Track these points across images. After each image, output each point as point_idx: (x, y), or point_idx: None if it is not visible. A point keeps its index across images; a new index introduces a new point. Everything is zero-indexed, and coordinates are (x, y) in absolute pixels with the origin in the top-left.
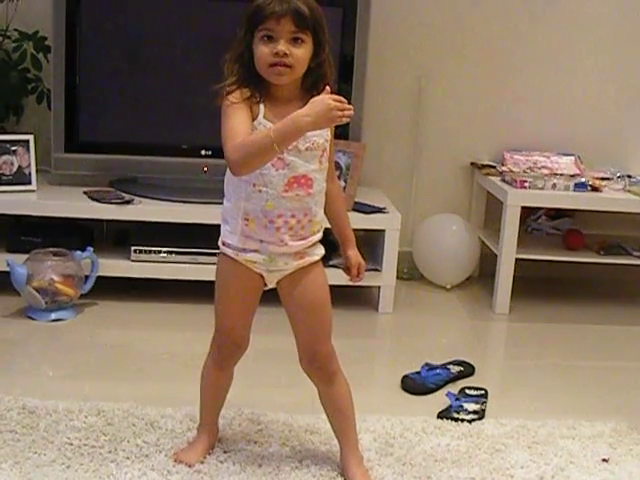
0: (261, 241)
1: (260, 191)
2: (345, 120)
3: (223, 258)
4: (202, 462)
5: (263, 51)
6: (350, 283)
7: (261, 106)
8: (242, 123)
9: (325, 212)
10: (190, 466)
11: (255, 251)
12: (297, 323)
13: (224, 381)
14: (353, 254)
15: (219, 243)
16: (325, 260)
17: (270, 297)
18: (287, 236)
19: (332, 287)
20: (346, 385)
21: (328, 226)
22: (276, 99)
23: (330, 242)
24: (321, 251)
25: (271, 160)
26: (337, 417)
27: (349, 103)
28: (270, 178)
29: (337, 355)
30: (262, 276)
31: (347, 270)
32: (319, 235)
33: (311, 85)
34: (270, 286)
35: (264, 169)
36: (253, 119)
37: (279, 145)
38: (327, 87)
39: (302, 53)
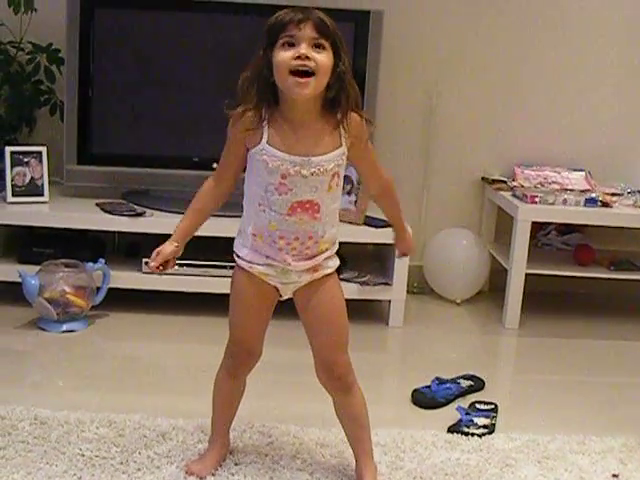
0: (267, 257)
1: (264, 211)
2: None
3: (238, 270)
4: (213, 474)
5: (284, 56)
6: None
7: (265, 130)
8: (224, 165)
9: (380, 206)
10: (201, 478)
11: (268, 266)
12: (314, 334)
13: (237, 391)
14: (408, 236)
15: (234, 255)
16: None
17: (282, 310)
18: (289, 256)
19: None
20: (362, 395)
21: (342, 240)
22: (289, 121)
23: (339, 256)
24: (336, 263)
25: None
26: (353, 427)
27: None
28: (273, 201)
29: None
30: (277, 288)
31: (402, 249)
32: (328, 253)
33: (332, 100)
34: (285, 297)
35: (267, 192)
36: (254, 145)
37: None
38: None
39: (324, 59)
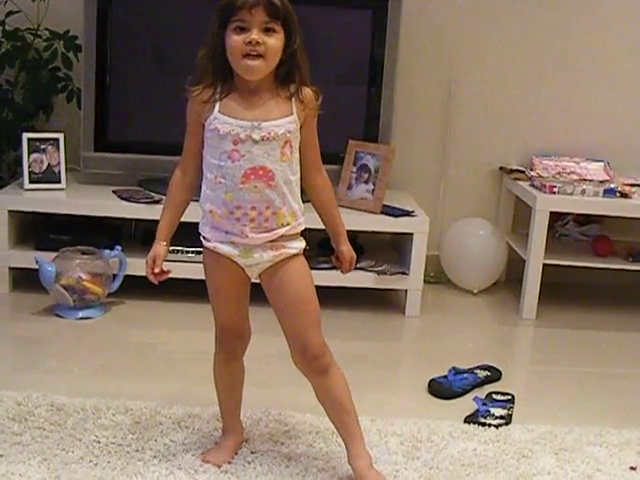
0: (226, 232)
1: (220, 182)
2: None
3: (205, 253)
4: (229, 462)
5: (236, 40)
6: (341, 275)
7: (217, 102)
8: (187, 150)
9: (313, 205)
10: (218, 466)
11: (231, 243)
12: (283, 316)
13: (235, 374)
14: (346, 249)
15: (201, 237)
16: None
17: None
18: (247, 228)
19: (359, 290)
20: (343, 377)
21: (359, 229)
22: (242, 91)
23: (357, 245)
24: (301, 244)
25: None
26: (337, 411)
27: (378, 105)
28: (227, 170)
29: (359, 357)
30: (244, 269)
31: (339, 263)
32: (289, 228)
33: (284, 76)
34: (253, 279)
35: (221, 160)
36: (207, 118)
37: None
38: None
39: (274, 42)
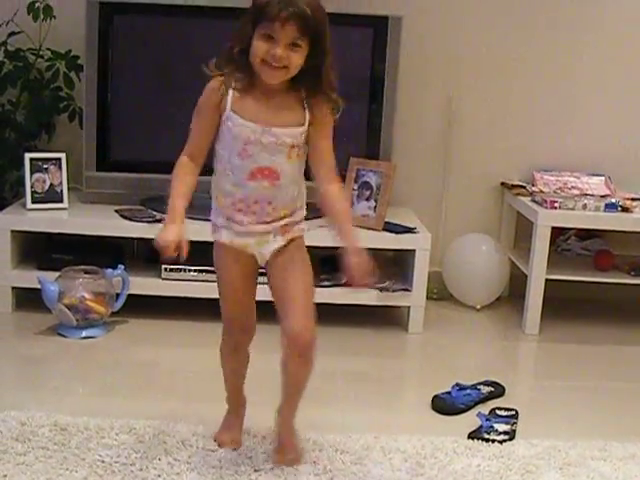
0: (228, 219)
1: (228, 175)
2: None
3: (218, 246)
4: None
5: (261, 47)
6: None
7: (230, 98)
8: (199, 134)
9: (326, 214)
10: (236, 448)
11: (246, 234)
12: (280, 294)
13: (241, 362)
14: (359, 260)
15: (211, 229)
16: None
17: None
18: (247, 219)
19: (362, 307)
20: (312, 364)
21: (314, 240)
22: (259, 88)
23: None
24: (304, 225)
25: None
26: (295, 390)
27: (379, 122)
28: (235, 165)
29: (362, 374)
30: (254, 257)
31: (351, 278)
32: (287, 220)
33: (303, 82)
34: (262, 263)
35: (231, 156)
36: (223, 111)
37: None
38: None
39: (297, 58)
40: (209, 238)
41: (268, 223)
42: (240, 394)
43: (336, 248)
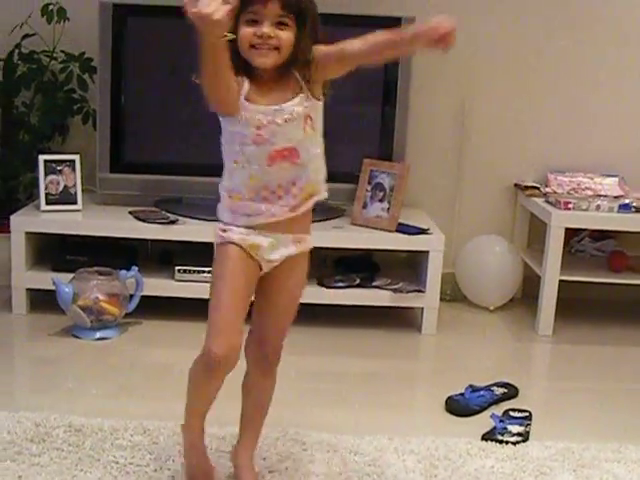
0: (248, 215)
1: (243, 167)
2: (214, 14)
3: (226, 248)
4: None
5: (247, 32)
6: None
7: (245, 82)
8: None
9: (378, 56)
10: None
11: (260, 233)
12: (266, 313)
13: (216, 389)
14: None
15: (218, 231)
16: (369, 281)
17: (311, 319)
18: (276, 206)
19: (375, 308)
20: (274, 382)
21: (375, 247)
22: (257, 77)
23: (372, 264)
24: (312, 240)
25: (221, 70)
26: (257, 408)
27: (392, 124)
28: (251, 153)
29: (375, 375)
30: (260, 265)
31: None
32: (311, 202)
33: (288, 64)
34: (263, 272)
35: (244, 145)
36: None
37: (205, 56)
38: None
39: (287, 36)
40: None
41: (295, 208)
42: (203, 420)
43: (345, 249)
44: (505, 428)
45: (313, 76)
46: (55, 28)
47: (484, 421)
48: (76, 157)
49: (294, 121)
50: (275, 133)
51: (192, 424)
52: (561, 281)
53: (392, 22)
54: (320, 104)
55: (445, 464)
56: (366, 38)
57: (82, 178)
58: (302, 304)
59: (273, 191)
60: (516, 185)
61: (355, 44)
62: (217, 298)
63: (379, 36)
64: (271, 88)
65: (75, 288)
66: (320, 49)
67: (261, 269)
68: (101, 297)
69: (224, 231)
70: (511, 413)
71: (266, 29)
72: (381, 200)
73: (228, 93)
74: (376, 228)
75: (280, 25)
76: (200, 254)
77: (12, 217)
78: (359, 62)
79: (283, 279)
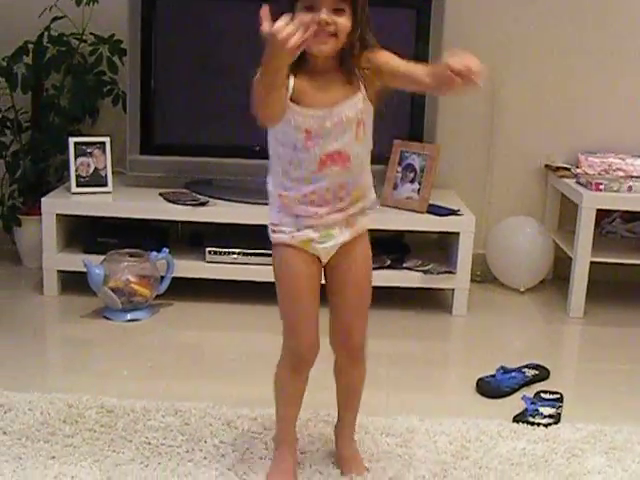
0: (296, 216)
1: (296, 169)
2: (288, 42)
3: (279, 250)
4: None
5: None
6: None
7: (290, 81)
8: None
9: (437, 81)
10: None
11: (307, 228)
12: (340, 295)
13: (302, 387)
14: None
15: (270, 233)
16: (399, 262)
17: None
18: (323, 210)
19: (406, 289)
20: (365, 372)
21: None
22: (313, 72)
23: (403, 245)
24: (370, 219)
25: (277, 89)
26: (351, 394)
27: (422, 105)
28: (301, 158)
29: (407, 356)
30: (318, 257)
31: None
32: (360, 205)
33: (346, 57)
34: (325, 261)
35: (296, 149)
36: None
37: (265, 75)
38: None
39: (344, 22)
40: (252, 221)
41: (343, 210)
42: (294, 429)
43: (376, 230)
44: (536, 410)
45: (370, 76)
46: (84, 10)
47: (515, 403)
48: (106, 139)
49: (345, 125)
50: (325, 136)
51: (284, 432)
52: (592, 262)
53: (422, 1)
54: (372, 109)
55: (476, 445)
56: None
57: (112, 160)
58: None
59: (321, 195)
60: (547, 166)
61: (417, 68)
62: (285, 303)
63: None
64: (325, 85)
65: (106, 270)
66: (383, 54)
67: (320, 260)
68: (132, 279)
69: (274, 232)
70: (542, 395)
71: (324, 15)
72: (412, 181)
73: (279, 110)
74: (407, 209)
75: (337, 11)
76: (230, 235)
77: (43, 199)
78: (406, 85)
79: (346, 267)
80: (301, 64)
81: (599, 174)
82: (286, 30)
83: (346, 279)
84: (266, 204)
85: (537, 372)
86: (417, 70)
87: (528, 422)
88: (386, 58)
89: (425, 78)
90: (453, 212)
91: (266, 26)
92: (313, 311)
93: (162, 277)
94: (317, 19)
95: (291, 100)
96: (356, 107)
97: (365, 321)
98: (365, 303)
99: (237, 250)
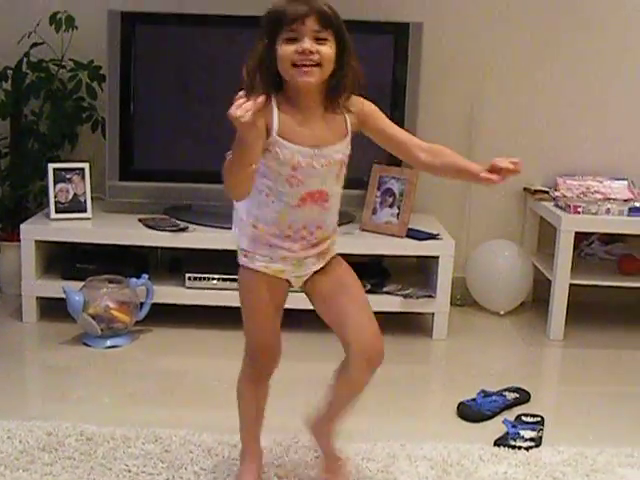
0: (270, 246)
1: (273, 202)
2: (245, 116)
3: (248, 272)
4: None
5: (287, 50)
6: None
7: (274, 120)
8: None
9: (442, 172)
10: None
11: (281, 260)
12: (344, 316)
13: (263, 396)
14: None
15: (240, 256)
16: (379, 287)
17: (315, 323)
18: (297, 245)
19: (386, 314)
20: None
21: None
22: (296, 108)
23: (382, 270)
24: (336, 248)
25: (248, 175)
26: (351, 398)
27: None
28: (284, 192)
29: (387, 381)
30: (288, 281)
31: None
32: (330, 241)
33: (334, 89)
34: (295, 287)
35: (277, 182)
36: (267, 135)
37: (235, 163)
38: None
39: (328, 50)
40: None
41: (316, 246)
42: (258, 442)
43: (355, 255)
44: (517, 433)
45: (353, 119)
46: (63, 36)
47: (496, 426)
48: (85, 165)
49: (331, 166)
50: (310, 175)
51: (249, 447)
52: (571, 285)
53: (400, 27)
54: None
55: (458, 470)
56: (432, 147)
57: (91, 186)
58: (312, 310)
59: (297, 231)
60: (525, 189)
61: (410, 139)
62: (249, 317)
63: (457, 159)
64: (312, 121)
65: (85, 296)
66: (373, 109)
67: (290, 284)
68: (111, 305)
69: (245, 256)
70: (523, 418)
71: (306, 44)
72: (391, 206)
73: (249, 187)
74: (386, 234)
75: (319, 40)
76: (210, 261)
77: (22, 226)
78: (391, 149)
79: (332, 286)
80: (286, 96)
81: (577, 197)
82: (240, 109)
83: (340, 299)
84: None
85: (518, 395)
86: (411, 141)
87: (509, 446)
88: (376, 114)
89: (419, 152)
90: (432, 236)
91: (231, 108)
92: (276, 327)
93: (142, 303)
94: (300, 49)
95: (278, 135)
96: (342, 152)
97: (374, 323)
98: (369, 311)
99: (217, 276)
